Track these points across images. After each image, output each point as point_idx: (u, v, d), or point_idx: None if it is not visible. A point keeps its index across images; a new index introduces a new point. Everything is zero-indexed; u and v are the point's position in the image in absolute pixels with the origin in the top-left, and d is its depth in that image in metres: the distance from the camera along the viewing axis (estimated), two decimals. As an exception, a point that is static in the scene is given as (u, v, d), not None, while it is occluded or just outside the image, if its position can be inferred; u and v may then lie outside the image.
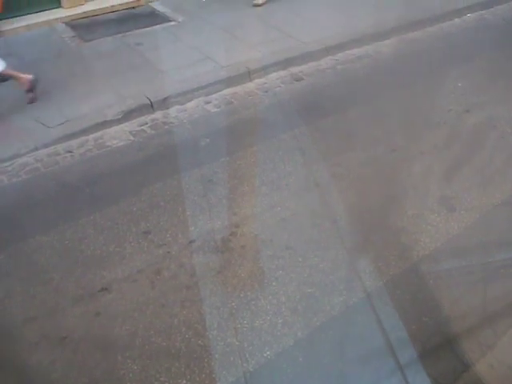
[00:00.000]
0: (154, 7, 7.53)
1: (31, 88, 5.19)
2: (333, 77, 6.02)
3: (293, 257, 3.57)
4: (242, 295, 3.29)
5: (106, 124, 4.97)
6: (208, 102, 5.46)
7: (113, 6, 7.35)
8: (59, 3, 7.12)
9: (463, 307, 3.32)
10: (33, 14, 6.91)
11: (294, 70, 6.10)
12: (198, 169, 4.39)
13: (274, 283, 3.37)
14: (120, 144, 4.78)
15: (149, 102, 5.22)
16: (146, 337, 3.04)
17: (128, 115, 5.10)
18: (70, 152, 4.65)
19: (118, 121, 5.04)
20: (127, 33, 6.71)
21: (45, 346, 3.00)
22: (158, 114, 5.22)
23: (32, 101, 5.23)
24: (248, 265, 3.51)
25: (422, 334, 3.08)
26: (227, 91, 5.64)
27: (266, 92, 5.66)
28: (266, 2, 7.33)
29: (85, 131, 4.87)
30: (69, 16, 7.04)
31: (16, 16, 6.79)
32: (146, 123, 5.08)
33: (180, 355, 2.94)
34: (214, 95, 5.57)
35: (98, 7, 7.27)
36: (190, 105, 5.40)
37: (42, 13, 6.98)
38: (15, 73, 5.06)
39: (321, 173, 4.39)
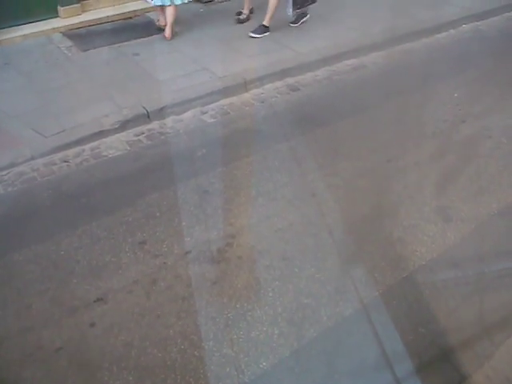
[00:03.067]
0: (151, 17, 7.53)
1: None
2: (329, 87, 6.04)
3: (289, 267, 3.57)
4: (238, 306, 3.28)
5: (102, 134, 4.97)
6: (204, 113, 5.46)
7: (110, 17, 7.36)
8: (56, 13, 7.12)
9: (460, 318, 3.32)
10: (30, 24, 6.90)
11: (291, 80, 6.12)
12: (194, 179, 4.39)
13: (270, 294, 3.37)
14: (116, 154, 4.78)
15: (145, 112, 5.22)
16: (141, 348, 3.03)
17: (124, 125, 5.09)
18: (67, 162, 4.65)
19: (115, 130, 5.03)
20: (124, 43, 6.71)
21: (39, 356, 2.98)
22: (155, 124, 5.22)
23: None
24: (244, 275, 3.51)
25: (418, 345, 3.08)
26: (223, 102, 5.65)
27: (263, 102, 5.68)
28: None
29: (81, 141, 4.86)
30: (66, 26, 7.04)
31: (13, 26, 6.78)
32: (143, 133, 5.08)
33: (176, 366, 2.93)
34: (210, 105, 5.57)
35: (95, 17, 7.27)
36: (186, 115, 5.40)
37: (39, 22, 6.97)
38: None
39: (317, 183, 4.40)
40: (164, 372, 2.90)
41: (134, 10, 7.56)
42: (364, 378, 2.99)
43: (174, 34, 6.75)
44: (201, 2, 7.83)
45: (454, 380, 2.93)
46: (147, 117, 5.23)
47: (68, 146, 4.80)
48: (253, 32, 6.88)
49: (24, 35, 6.74)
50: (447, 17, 7.72)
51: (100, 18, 7.29)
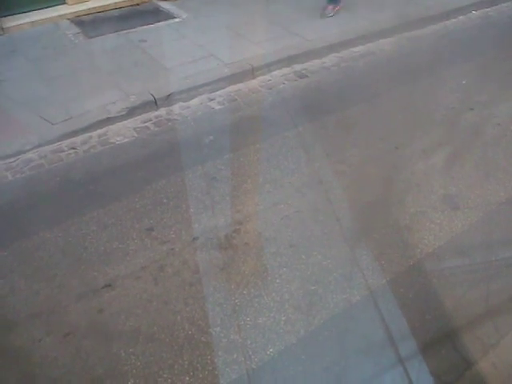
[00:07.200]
0: (158, 4, 7.53)
1: None
2: (336, 74, 6.01)
3: (296, 254, 3.58)
4: (245, 292, 3.29)
5: (109, 121, 4.97)
6: (212, 99, 5.46)
7: (117, 3, 7.35)
8: (63, 0, 7.12)
9: (466, 306, 3.32)
10: (37, 11, 6.92)
11: (298, 67, 6.10)
12: (202, 166, 4.40)
13: (277, 280, 3.38)
14: (124, 141, 4.79)
15: (152, 99, 5.22)
16: (149, 333, 3.05)
17: (132, 112, 5.10)
18: (74, 148, 4.66)
19: (122, 117, 5.04)
20: (131, 29, 6.72)
21: (48, 342, 3.01)
22: (162, 111, 5.22)
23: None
24: (251, 262, 3.52)
25: (424, 332, 3.08)
26: (231, 88, 5.64)
27: (270, 89, 5.66)
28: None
29: (89, 128, 4.87)
30: (73, 12, 7.05)
31: (20, 12, 6.80)
32: (150, 120, 5.09)
33: (183, 352, 2.95)
34: (217, 92, 5.57)
35: (102, 4, 7.27)
36: (193, 102, 5.40)
37: (46, 9, 6.99)
38: None
39: (324, 170, 4.39)
40: (171, 357, 2.92)
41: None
42: (371, 365, 3.00)
43: None
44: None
45: (460, 367, 2.93)
46: (154, 103, 5.23)
47: (75, 133, 4.81)
48: None
49: (31, 22, 6.76)
50: (456, 3, 7.65)
51: (107, 5, 7.30)
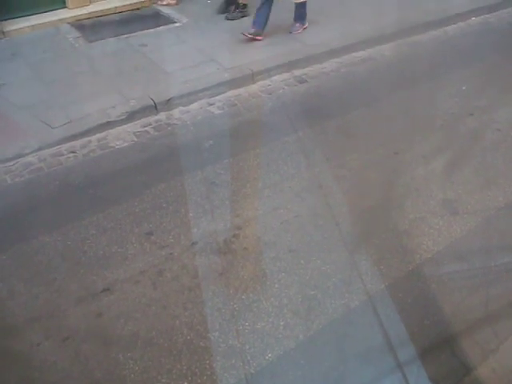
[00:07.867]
0: (159, 9, 7.54)
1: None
2: (336, 79, 6.02)
3: (295, 259, 3.57)
4: (243, 297, 3.29)
5: (109, 125, 4.97)
6: (211, 104, 5.46)
7: (117, 7, 7.36)
8: (64, 4, 7.12)
9: (465, 311, 3.32)
10: (38, 15, 6.91)
11: (298, 72, 6.11)
12: (201, 170, 4.40)
13: (276, 285, 3.37)
14: (123, 145, 4.79)
15: (152, 103, 5.23)
16: (147, 338, 3.04)
17: (131, 116, 5.10)
18: (74, 152, 4.66)
19: (122, 122, 5.04)
20: (131, 34, 6.72)
21: (47, 346, 3.00)
22: (162, 115, 5.22)
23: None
24: (250, 267, 3.51)
25: (423, 338, 3.08)
26: (231, 93, 5.64)
27: (270, 94, 5.67)
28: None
29: (88, 132, 4.87)
30: (73, 17, 7.05)
31: (21, 16, 6.79)
32: (150, 124, 5.09)
33: (182, 357, 2.94)
34: (217, 97, 5.57)
35: (102, 8, 7.27)
36: (193, 106, 5.40)
37: (46, 13, 6.99)
38: None
39: (324, 175, 4.39)
40: (170, 362, 2.91)
41: (142, 1, 7.56)
42: (369, 370, 2.99)
43: None
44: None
45: (459, 372, 2.93)
46: (154, 108, 5.23)
47: (75, 136, 4.81)
48: None
49: (32, 26, 6.76)
50: (456, 9, 7.66)
51: (108, 9, 7.30)
